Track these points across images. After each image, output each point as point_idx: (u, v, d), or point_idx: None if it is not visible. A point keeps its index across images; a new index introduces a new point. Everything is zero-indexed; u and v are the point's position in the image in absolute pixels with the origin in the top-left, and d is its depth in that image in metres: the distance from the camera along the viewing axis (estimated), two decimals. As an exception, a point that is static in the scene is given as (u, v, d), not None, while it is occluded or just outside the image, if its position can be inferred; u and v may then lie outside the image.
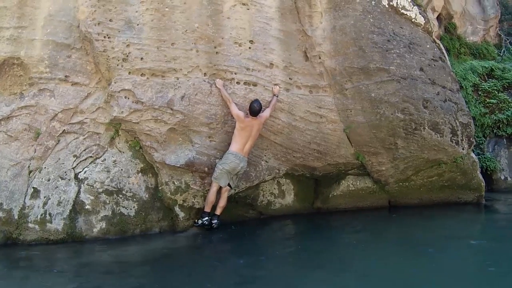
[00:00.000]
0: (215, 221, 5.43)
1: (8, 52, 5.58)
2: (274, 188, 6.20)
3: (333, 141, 5.95)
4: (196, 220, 5.52)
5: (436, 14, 8.28)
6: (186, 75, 5.53)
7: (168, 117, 5.40)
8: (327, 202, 6.42)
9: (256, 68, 5.73)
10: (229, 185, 5.41)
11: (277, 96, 5.70)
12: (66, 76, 5.61)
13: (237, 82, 5.67)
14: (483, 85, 8.19)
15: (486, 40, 9.69)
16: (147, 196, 5.54)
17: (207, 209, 5.43)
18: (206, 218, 5.41)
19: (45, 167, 5.40)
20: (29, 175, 5.37)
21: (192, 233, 5.47)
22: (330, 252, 4.70)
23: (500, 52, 9.59)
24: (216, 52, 5.64)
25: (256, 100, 5.46)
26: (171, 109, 5.39)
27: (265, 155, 5.78)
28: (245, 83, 5.69)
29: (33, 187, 5.29)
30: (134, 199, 5.46)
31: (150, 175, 5.61)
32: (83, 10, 5.60)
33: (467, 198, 6.57)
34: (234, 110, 5.40)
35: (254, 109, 5.35)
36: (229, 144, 5.47)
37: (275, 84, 5.77)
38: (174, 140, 5.47)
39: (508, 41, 9.88)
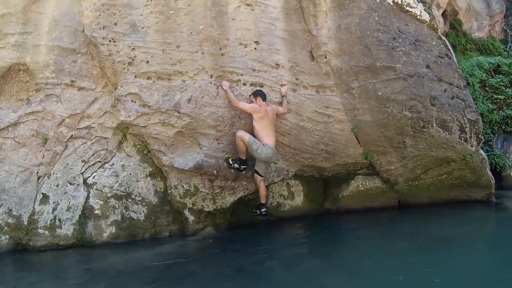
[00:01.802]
0: (263, 209, 5.63)
1: (14, 58, 5.60)
2: (283, 190, 6.18)
3: (341, 141, 5.92)
4: (255, 210, 5.71)
5: (441, 11, 8.21)
6: (192, 78, 5.52)
7: (176, 120, 5.39)
8: (336, 203, 6.38)
9: (262, 69, 5.71)
10: (258, 173, 5.48)
11: (286, 97, 5.70)
12: (72, 81, 5.62)
13: (243, 84, 5.65)
14: (490, 81, 8.12)
15: (492, 36, 9.62)
16: (156, 200, 5.53)
17: (263, 201, 5.60)
18: (264, 209, 5.67)
19: (53, 173, 5.41)
20: (38, 181, 5.39)
21: (202, 236, 5.45)
22: (341, 254, 4.68)
23: (506, 47, 9.52)
24: (222, 54, 5.63)
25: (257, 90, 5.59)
26: (178, 112, 5.37)
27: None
28: (251, 84, 5.67)
29: (42, 193, 5.31)
30: (143, 203, 5.46)
31: (159, 178, 5.60)
32: (88, 14, 5.60)
33: (477, 196, 6.50)
34: (245, 105, 5.43)
35: (263, 93, 5.48)
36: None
37: (282, 85, 5.76)
38: (182, 143, 5.46)
39: (514, 36, 9.80)
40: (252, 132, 5.41)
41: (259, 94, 5.47)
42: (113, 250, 5.08)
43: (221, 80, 5.57)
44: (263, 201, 5.59)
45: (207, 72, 5.57)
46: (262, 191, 5.53)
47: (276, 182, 5.91)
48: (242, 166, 5.42)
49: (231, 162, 5.41)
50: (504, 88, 8.07)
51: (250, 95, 5.53)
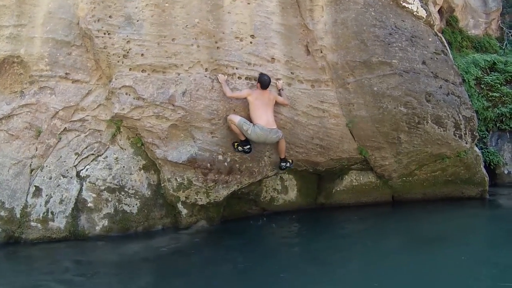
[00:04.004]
0: (283, 163, 5.69)
1: (8, 50, 5.57)
2: (277, 184, 6.17)
3: (335, 136, 5.91)
4: (281, 165, 5.70)
5: (437, 7, 8.23)
6: (187, 71, 5.49)
7: (170, 113, 5.36)
8: (330, 198, 6.37)
9: (257, 62, 5.69)
10: None
11: (283, 90, 5.69)
12: (66, 74, 5.60)
13: (238, 77, 5.63)
14: (486, 78, 8.12)
15: (488, 33, 9.63)
16: (149, 193, 5.51)
17: (282, 155, 5.64)
18: (284, 163, 5.70)
19: (46, 165, 5.38)
20: (31, 173, 5.35)
21: (195, 229, 5.44)
22: (333, 249, 4.67)
23: (502, 45, 9.54)
24: (217, 47, 5.61)
25: (265, 74, 5.50)
26: (173, 105, 5.35)
27: (268, 151, 5.73)
28: (246, 78, 5.65)
29: (35, 186, 5.28)
30: (137, 196, 5.43)
31: (153, 172, 5.57)
32: (83, 7, 5.58)
33: (471, 193, 6.51)
34: (241, 93, 5.43)
35: (265, 81, 5.39)
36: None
37: (278, 79, 5.74)
38: (176, 136, 5.42)
39: (510, 34, 9.82)
40: (249, 117, 5.39)
41: (260, 80, 5.41)
42: (106, 243, 5.06)
43: (216, 74, 5.55)
44: (281, 156, 5.63)
45: (202, 65, 5.55)
46: (280, 146, 5.55)
47: (270, 176, 5.89)
48: (245, 147, 5.41)
49: (236, 146, 5.44)
50: (499, 86, 8.07)
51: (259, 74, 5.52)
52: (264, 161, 5.70)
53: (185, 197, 5.44)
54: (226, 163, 5.45)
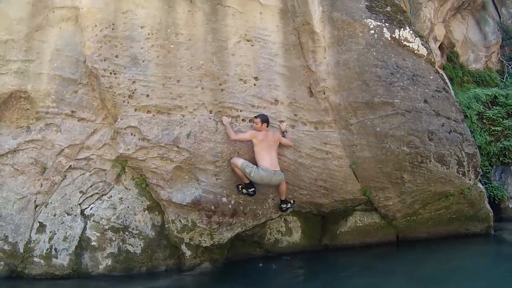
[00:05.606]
0: (284, 205, 5.68)
1: (15, 85, 5.66)
2: (281, 226, 6.13)
3: (339, 177, 5.90)
4: (282, 206, 5.70)
5: (438, 44, 8.35)
6: (192, 113, 5.55)
7: (174, 154, 5.39)
8: (334, 239, 6.32)
9: (261, 105, 5.75)
10: None
11: (287, 132, 5.74)
12: (72, 112, 5.66)
13: (242, 120, 5.68)
14: (488, 112, 8.18)
15: (488, 67, 9.73)
16: (153, 234, 5.49)
17: (283, 197, 5.64)
18: (285, 205, 5.71)
19: (51, 202, 5.41)
20: (35, 209, 5.39)
21: (199, 271, 5.40)
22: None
23: (503, 78, 9.62)
24: (221, 89, 5.68)
25: (262, 114, 5.58)
26: (177, 147, 5.38)
27: (271, 193, 5.73)
28: (250, 121, 5.69)
29: (39, 222, 5.30)
30: (141, 237, 5.42)
31: (157, 212, 5.58)
32: (90, 45, 5.68)
33: (476, 229, 6.49)
34: (244, 135, 5.45)
35: (267, 118, 5.47)
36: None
37: (281, 121, 5.78)
38: (180, 178, 5.43)
39: (510, 66, 9.91)
40: (253, 159, 5.41)
41: (265, 120, 5.46)
42: (109, 282, 5.03)
43: (220, 116, 5.59)
44: (282, 197, 5.62)
45: (206, 107, 5.61)
46: (281, 188, 5.53)
47: (274, 218, 5.87)
48: (250, 190, 5.42)
49: (240, 189, 5.46)
50: (501, 120, 8.12)
51: (254, 117, 5.54)
52: (268, 203, 5.69)
53: (189, 238, 5.42)
54: (230, 205, 5.43)
